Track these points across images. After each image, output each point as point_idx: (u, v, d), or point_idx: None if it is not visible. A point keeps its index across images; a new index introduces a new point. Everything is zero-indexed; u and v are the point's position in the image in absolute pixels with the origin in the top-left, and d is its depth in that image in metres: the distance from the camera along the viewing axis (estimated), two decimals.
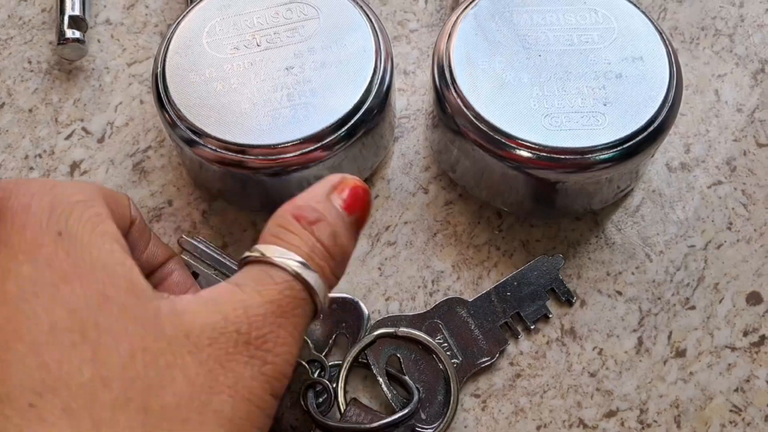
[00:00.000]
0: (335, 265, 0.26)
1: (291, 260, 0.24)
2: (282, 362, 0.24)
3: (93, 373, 0.21)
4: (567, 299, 0.36)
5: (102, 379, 0.21)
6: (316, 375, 0.33)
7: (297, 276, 0.24)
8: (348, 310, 0.35)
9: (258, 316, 0.23)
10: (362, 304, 0.35)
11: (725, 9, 0.42)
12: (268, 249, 0.25)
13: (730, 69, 0.41)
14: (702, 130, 0.39)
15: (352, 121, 0.34)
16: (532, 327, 0.35)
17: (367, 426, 0.31)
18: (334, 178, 0.27)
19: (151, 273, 0.31)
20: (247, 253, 0.25)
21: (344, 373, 0.33)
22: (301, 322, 0.25)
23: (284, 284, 0.24)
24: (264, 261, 0.25)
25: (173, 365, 0.22)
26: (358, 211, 0.26)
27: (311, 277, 0.25)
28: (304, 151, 0.33)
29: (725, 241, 0.37)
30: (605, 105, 0.33)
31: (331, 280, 0.26)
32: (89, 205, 0.25)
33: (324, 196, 0.26)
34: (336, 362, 0.34)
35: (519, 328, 0.35)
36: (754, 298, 0.36)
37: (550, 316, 0.35)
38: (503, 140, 0.33)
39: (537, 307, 0.35)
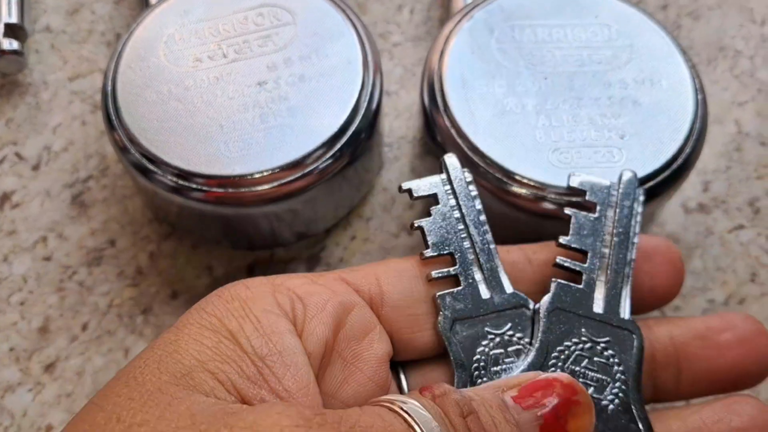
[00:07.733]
0: None
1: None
2: None
3: None
4: None
5: None
6: None
7: None
8: None
9: None
10: None
11: (746, 27, 0.38)
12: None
13: (752, 96, 0.36)
14: (722, 166, 0.35)
15: (337, 147, 0.29)
16: None
17: None
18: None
19: None
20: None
21: None
22: None
23: None
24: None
25: None
26: None
27: None
28: (278, 183, 0.28)
29: (748, 295, 0.33)
30: (622, 138, 0.29)
31: None
32: None
33: None
34: None
35: None
36: None
37: None
38: (503, 178, 0.28)
39: None
